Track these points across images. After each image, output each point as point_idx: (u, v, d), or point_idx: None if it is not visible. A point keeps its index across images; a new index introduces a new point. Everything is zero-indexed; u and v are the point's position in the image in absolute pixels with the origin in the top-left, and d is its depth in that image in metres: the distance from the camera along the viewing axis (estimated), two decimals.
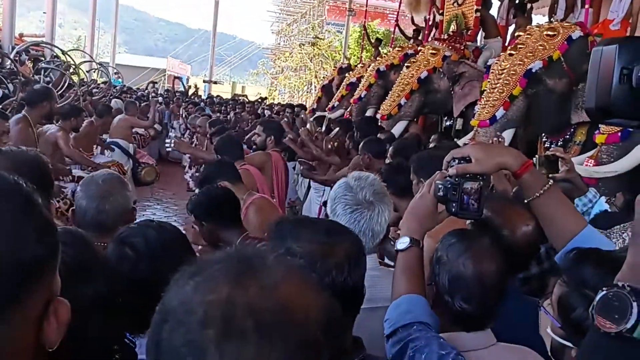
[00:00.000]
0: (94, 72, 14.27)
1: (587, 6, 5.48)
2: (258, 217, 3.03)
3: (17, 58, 8.04)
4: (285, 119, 8.47)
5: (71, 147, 5.62)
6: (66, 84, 7.80)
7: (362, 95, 7.91)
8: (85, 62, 11.70)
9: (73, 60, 8.70)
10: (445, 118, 7.04)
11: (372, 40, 12.37)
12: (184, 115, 12.63)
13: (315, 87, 25.53)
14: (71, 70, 8.22)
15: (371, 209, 1.85)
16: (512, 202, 1.87)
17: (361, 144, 4.49)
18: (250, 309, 0.52)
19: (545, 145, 4.85)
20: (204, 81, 26.46)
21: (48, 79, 8.91)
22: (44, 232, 0.70)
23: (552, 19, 6.44)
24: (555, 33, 4.64)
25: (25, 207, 0.69)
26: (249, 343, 0.51)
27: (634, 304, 0.65)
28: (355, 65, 10.48)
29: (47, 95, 4.73)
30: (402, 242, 1.45)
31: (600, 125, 4.06)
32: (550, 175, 2.56)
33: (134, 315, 1.27)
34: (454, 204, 1.39)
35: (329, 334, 0.55)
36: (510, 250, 1.73)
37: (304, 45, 29.10)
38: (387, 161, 3.72)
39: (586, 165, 4.09)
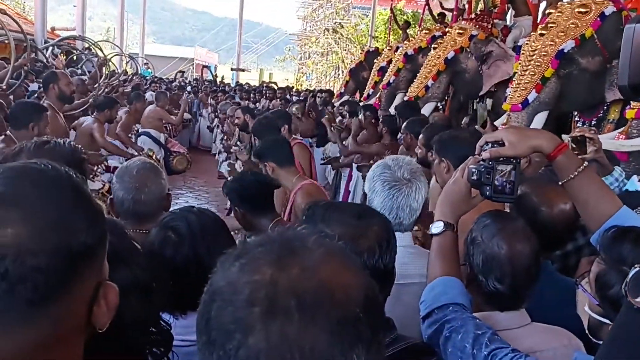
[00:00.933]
0: (124, 63, 14.48)
1: None
2: (305, 203, 3.05)
3: (50, 52, 8.21)
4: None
5: (106, 138, 5.76)
6: (102, 76, 7.93)
7: (391, 81, 7.84)
8: (115, 54, 11.84)
9: (103, 52, 8.83)
10: (477, 100, 6.93)
11: (400, 23, 12.24)
12: (212, 104, 12.75)
13: (342, 71, 25.41)
14: (102, 62, 8.33)
15: (409, 186, 1.91)
16: (549, 181, 1.87)
17: (404, 124, 4.52)
18: (292, 289, 0.55)
19: (578, 124, 4.75)
20: (232, 69, 26.58)
21: (80, 71, 9.08)
22: (93, 220, 0.74)
23: None
24: (588, 10, 4.51)
25: (75, 197, 0.73)
26: (292, 321, 0.54)
27: None
28: (383, 49, 10.40)
29: (53, 78, 4.72)
30: (437, 227, 1.47)
31: (631, 103, 3.96)
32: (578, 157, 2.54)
33: (173, 296, 1.33)
34: (488, 188, 1.39)
35: (369, 312, 0.57)
36: (548, 227, 1.74)
37: (328, 30, 28.95)
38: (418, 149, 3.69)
39: (616, 140, 4.00)
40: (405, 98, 7.00)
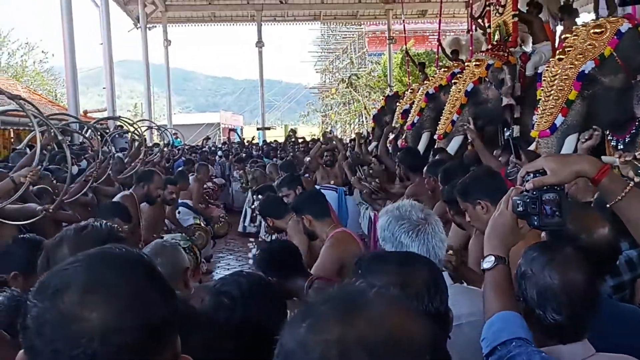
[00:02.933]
0: (156, 136, 14.91)
1: None
2: (333, 250, 3.09)
3: (87, 134, 8.56)
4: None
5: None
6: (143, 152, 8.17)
7: (415, 121, 7.93)
8: (147, 128, 12.26)
9: (139, 130, 9.15)
10: (505, 129, 6.90)
11: (416, 62, 12.41)
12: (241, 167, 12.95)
13: (365, 118, 25.66)
14: (137, 138, 8.61)
15: (430, 223, 1.91)
16: (584, 208, 1.86)
17: (425, 167, 4.49)
18: (362, 344, 0.57)
19: (612, 144, 4.70)
20: (257, 129, 27.10)
21: (114, 149, 9.41)
22: (166, 295, 0.79)
23: (598, 16, 6.30)
24: (603, 29, 4.55)
25: (149, 276, 0.79)
26: None
27: None
28: (404, 92, 10.53)
29: (147, 178, 4.92)
30: (488, 262, 1.47)
31: None
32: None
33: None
34: (535, 217, 1.40)
35: (437, 355, 0.60)
36: (591, 254, 1.71)
37: (345, 81, 29.44)
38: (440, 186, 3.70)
39: None
40: (435, 137, 7.03)
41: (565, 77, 4.51)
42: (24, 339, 0.72)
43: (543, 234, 1.84)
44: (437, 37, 11.63)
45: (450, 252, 2.42)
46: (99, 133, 6.73)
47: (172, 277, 2.25)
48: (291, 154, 12.08)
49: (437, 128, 7.03)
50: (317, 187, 6.69)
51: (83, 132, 8.35)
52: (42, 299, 0.72)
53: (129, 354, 0.71)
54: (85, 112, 15.65)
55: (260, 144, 18.90)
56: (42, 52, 29.46)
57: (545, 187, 1.38)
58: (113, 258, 0.79)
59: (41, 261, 1.64)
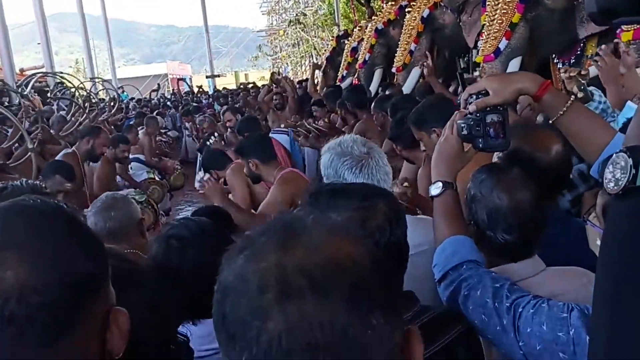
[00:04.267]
0: (102, 91, 14.37)
1: None
2: (284, 187, 3.08)
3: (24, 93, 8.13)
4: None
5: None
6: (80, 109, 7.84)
7: (367, 58, 7.82)
8: (85, 81, 11.75)
9: (73, 84, 8.75)
10: (463, 56, 6.82)
11: (362, 1, 12.18)
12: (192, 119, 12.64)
13: (316, 58, 25.29)
14: (79, 94, 8.25)
15: (373, 157, 1.87)
16: (535, 127, 1.85)
17: (373, 103, 4.45)
18: (300, 269, 0.56)
19: (558, 66, 4.75)
20: (207, 77, 26.44)
21: (55, 107, 9.01)
22: (91, 248, 0.73)
23: None
24: None
25: (70, 228, 0.72)
26: (306, 299, 0.55)
27: (630, 158, 0.66)
28: (352, 29, 10.36)
29: (93, 133, 4.78)
30: (436, 188, 1.45)
31: (622, 26, 3.94)
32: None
33: (185, 306, 1.32)
34: (480, 140, 1.38)
35: (379, 277, 0.59)
36: (548, 171, 1.72)
37: (292, 22, 28.82)
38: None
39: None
40: (394, 69, 6.93)
41: (509, 0, 4.49)
42: None
43: (495, 156, 1.84)
44: None
45: (406, 184, 2.41)
46: (34, 91, 6.38)
47: (127, 229, 2.27)
48: (241, 100, 11.81)
49: (395, 60, 6.91)
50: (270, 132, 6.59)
51: (19, 91, 7.92)
52: None
53: (51, 313, 0.66)
54: (22, 71, 14.87)
55: (210, 92, 18.49)
56: None
57: (488, 109, 1.36)
58: (26, 209, 0.72)
59: None
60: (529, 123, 1.96)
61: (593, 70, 3.32)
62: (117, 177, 5.96)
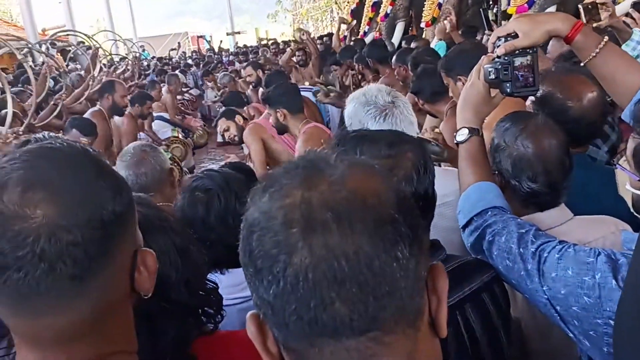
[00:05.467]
0: (125, 49, 14.33)
1: None
2: (307, 143, 3.07)
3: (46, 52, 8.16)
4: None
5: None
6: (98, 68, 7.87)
7: (388, 11, 7.66)
8: (107, 40, 11.74)
9: (97, 42, 8.74)
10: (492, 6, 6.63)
11: None
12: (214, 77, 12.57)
13: (337, 13, 24.78)
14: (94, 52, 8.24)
15: (397, 106, 1.85)
16: (568, 72, 1.78)
17: (394, 57, 4.37)
18: (325, 204, 0.56)
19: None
20: (227, 34, 26.18)
21: (79, 65, 9.05)
22: (118, 189, 0.74)
23: None
24: None
25: (96, 169, 0.74)
26: (331, 231, 0.55)
27: None
28: None
29: (109, 89, 4.82)
30: (461, 134, 1.42)
31: None
32: (594, 25, 2.43)
33: (214, 254, 1.34)
34: (508, 84, 1.33)
35: (404, 212, 0.58)
36: (581, 120, 1.68)
37: None
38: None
39: None
40: (422, 24, 6.79)
41: None
42: None
43: (528, 102, 1.79)
44: None
45: (437, 129, 2.39)
46: (56, 50, 6.40)
47: (158, 182, 2.25)
48: (262, 57, 11.68)
49: (423, 15, 6.75)
50: None
51: (44, 50, 7.94)
52: None
53: (80, 251, 0.68)
54: (44, 30, 14.91)
55: (230, 50, 18.33)
56: None
57: (517, 51, 1.31)
58: (54, 151, 0.73)
59: None
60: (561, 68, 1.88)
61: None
62: (141, 133, 6.00)
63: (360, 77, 5.66)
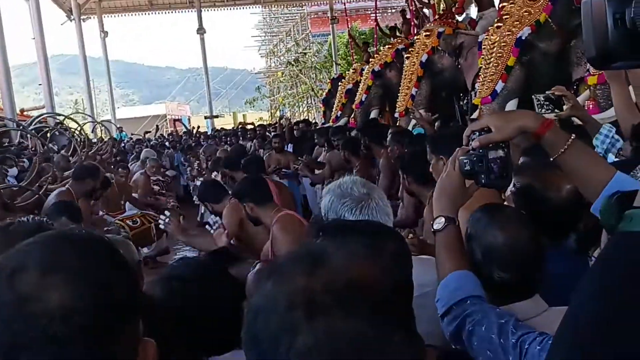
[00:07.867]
0: (99, 131, 14.46)
1: None
2: (284, 236, 3.06)
3: (25, 133, 8.21)
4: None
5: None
6: (72, 148, 7.90)
7: (363, 99, 7.97)
8: (87, 122, 11.86)
9: (79, 123, 8.84)
10: (463, 98, 6.92)
11: (359, 44, 12.47)
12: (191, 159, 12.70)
13: (313, 99, 25.63)
14: (77, 133, 8.32)
15: (372, 197, 1.87)
16: (545, 166, 1.86)
17: (389, 137, 4.53)
18: (327, 289, 0.60)
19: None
20: (205, 117, 26.65)
21: (56, 147, 9.06)
22: (128, 277, 0.77)
23: None
24: None
25: (111, 258, 0.77)
26: (332, 315, 0.58)
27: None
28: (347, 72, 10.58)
29: (92, 173, 4.75)
30: (438, 223, 1.46)
31: (589, 70, 4.07)
32: (555, 115, 2.57)
33: (192, 343, 1.32)
34: (482, 176, 1.40)
35: (402, 295, 0.63)
36: (561, 211, 1.72)
37: (291, 63, 29.31)
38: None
39: (587, 108, 4.07)
40: (396, 114, 7.03)
41: (504, 44, 4.62)
42: None
43: (508, 194, 1.84)
44: (376, 15, 11.66)
45: (411, 235, 2.43)
46: (33, 131, 6.44)
47: None
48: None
49: (397, 105, 7.00)
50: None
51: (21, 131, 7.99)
52: None
53: (91, 335, 0.68)
54: (22, 111, 15.01)
55: (208, 133, 18.59)
56: None
57: (490, 145, 1.39)
58: (72, 238, 0.76)
59: None
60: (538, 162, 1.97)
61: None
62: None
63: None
